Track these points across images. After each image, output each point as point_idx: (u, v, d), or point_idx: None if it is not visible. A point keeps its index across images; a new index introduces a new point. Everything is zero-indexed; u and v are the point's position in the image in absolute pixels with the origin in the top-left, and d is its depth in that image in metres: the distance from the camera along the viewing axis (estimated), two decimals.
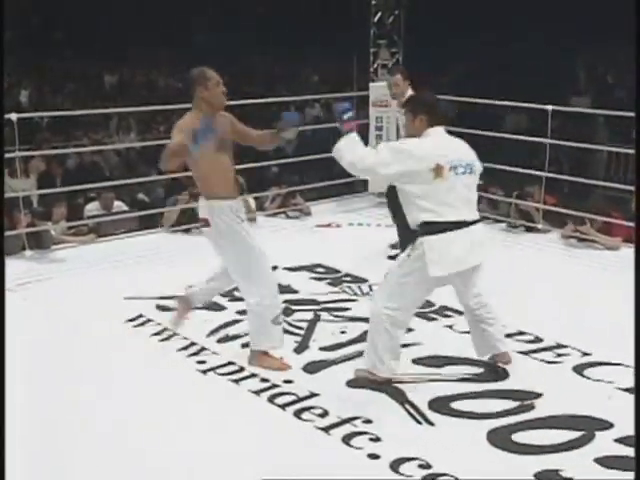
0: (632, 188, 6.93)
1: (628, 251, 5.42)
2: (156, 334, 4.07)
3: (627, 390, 3.39)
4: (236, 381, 3.53)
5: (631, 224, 5.67)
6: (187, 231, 6.03)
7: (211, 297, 3.96)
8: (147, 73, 15.83)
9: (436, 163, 3.18)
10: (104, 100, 12.50)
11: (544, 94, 5.64)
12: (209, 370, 3.64)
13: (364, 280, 4.89)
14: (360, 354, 3.64)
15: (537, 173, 6.02)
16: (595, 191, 7.10)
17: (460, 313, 4.30)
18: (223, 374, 3.60)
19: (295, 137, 3.65)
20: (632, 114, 7.76)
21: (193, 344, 3.92)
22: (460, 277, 3.34)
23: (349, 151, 3.26)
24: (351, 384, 3.48)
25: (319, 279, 4.97)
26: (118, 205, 6.68)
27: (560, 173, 6.57)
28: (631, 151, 7.88)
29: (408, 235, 5.64)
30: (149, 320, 4.24)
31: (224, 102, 3.52)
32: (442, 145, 3.28)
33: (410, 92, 5.45)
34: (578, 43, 12.40)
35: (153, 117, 11.62)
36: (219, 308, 4.42)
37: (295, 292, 4.69)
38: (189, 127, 3.29)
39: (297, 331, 4.07)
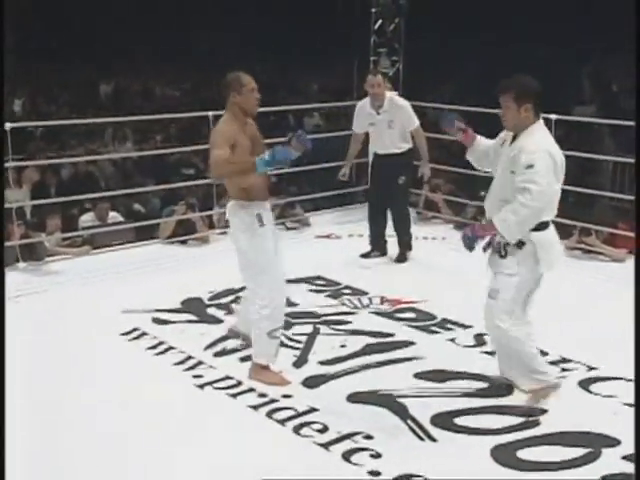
0: (624, 197, 6.98)
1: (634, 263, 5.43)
2: (151, 348, 4.06)
3: (633, 406, 3.38)
4: (233, 395, 3.52)
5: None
6: (184, 242, 6.04)
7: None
8: (143, 81, 15.89)
9: (562, 160, 3.18)
10: (99, 109, 12.54)
11: (548, 103, 5.66)
12: (206, 384, 3.64)
13: (364, 293, 4.89)
14: (361, 368, 3.64)
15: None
16: (601, 202, 7.11)
17: (462, 326, 4.32)
18: (220, 388, 3.60)
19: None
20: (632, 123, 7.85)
21: (190, 358, 3.91)
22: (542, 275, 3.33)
23: (516, 221, 3.14)
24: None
25: (318, 291, 4.97)
26: (113, 216, 6.69)
27: (565, 183, 6.57)
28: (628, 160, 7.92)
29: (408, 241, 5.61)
30: (145, 333, 4.24)
31: (257, 109, 3.58)
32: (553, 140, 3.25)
33: (390, 93, 5.52)
34: (582, 52, 12.48)
35: (150, 126, 11.66)
36: (216, 321, 4.42)
37: (294, 305, 4.69)
38: (231, 135, 3.40)
39: (296, 345, 4.07)
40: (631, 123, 7.20)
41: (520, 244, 3.21)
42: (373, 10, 7.46)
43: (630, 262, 5.49)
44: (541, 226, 3.20)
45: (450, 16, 13.49)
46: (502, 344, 3.36)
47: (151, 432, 3.22)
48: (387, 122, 5.41)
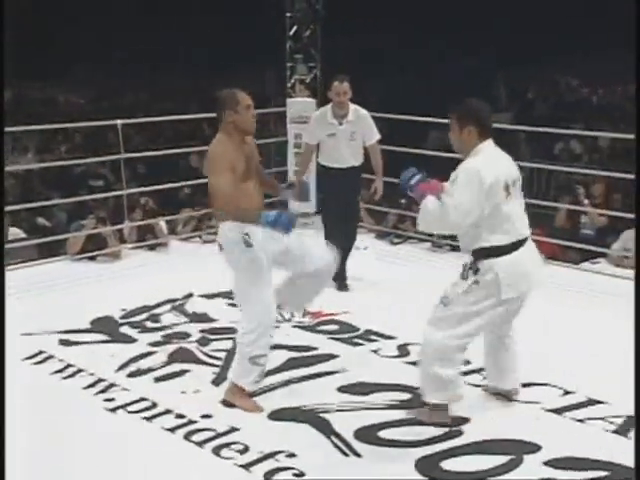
0: (555, 205, 7.27)
1: (553, 268, 5.66)
2: (58, 372, 3.95)
3: (554, 411, 3.53)
4: (149, 418, 3.46)
5: (555, 241, 5.95)
6: (93, 258, 5.90)
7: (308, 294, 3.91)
8: (43, 88, 15.46)
9: (505, 182, 3.18)
10: None
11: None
12: (118, 408, 3.56)
13: None
14: (283, 384, 3.65)
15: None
16: None
17: (385, 337, 4.39)
18: (134, 412, 3.53)
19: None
20: (552, 130, 8.21)
21: (100, 380, 3.83)
22: (522, 297, 3.32)
23: (430, 220, 3.22)
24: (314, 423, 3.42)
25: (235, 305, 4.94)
26: (14, 232, 6.46)
27: None
28: (553, 167, 8.27)
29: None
30: (50, 357, 4.12)
31: (254, 127, 3.51)
32: (500, 162, 3.26)
33: (351, 104, 5.25)
34: (498, 60, 12.96)
35: (53, 136, 11.36)
36: (129, 340, 4.34)
37: (212, 320, 4.66)
38: (229, 158, 3.37)
39: (216, 362, 4.04)
40: (547, 130, 7.59)
41: (475, 269, 3.24)
42: (288, 14, 7.50)
43: (551, 267, 5.69)
44: (498, 249, 3.22)
45: (368, 23, 13.77)
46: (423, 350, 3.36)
47: (60, 461, 3.12)
48: (350, 133, 5.19)
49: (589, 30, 12.93)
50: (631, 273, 5.42)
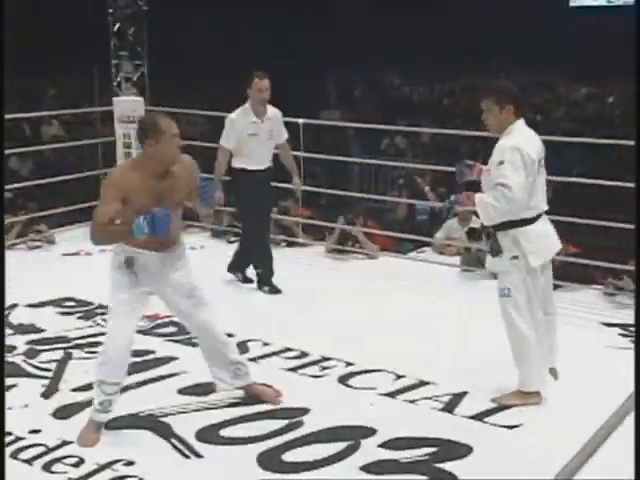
0: (386, 198, 7.62)
1: (386, 259, 5.91)
2: None
3: (388, 395, 3.68)
4: None
5: (387, 233, 6.22)
6: None
7: None
8: None
9: (538, 158, 3.38)
10: None
11: (294, 109, 5.92)
12: None
13: None
14: (121, 390, 3.54)
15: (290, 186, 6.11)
16: (353, 203, 7.61)
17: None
18: None
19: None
20: (380, 127, 8.56)
21: None
22: (546, 264, 3.51)
23: (497, 209, 3.33)
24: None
25: (69, 314, 4.73)
26: None
27: (317, 186, 6.94)
28: (381, 162, 8.59)
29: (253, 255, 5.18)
30: None
31: (177, 155, 3.17)
32: (534, 139, 3.45)
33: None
34: (328, 61, 13.31)
35: None
36: None
37: (40, 331, 4.42)
38: (123, 186, 3.06)
39: (45, 374, 3.84)
40: (373, 126, 7.89)
41: (499, 238, 3.42)
42: (110, 11, 7.25)
43: (382, 258, 5.93)
44: (524, 222, 3.40)
45: (194, 21, 13.62)
46: (513, 340, 3.48)
47: None
48: (268, 132, 5.01)
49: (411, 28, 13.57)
50: (453, 260, 5.79)
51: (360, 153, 10.52)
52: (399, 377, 3.84)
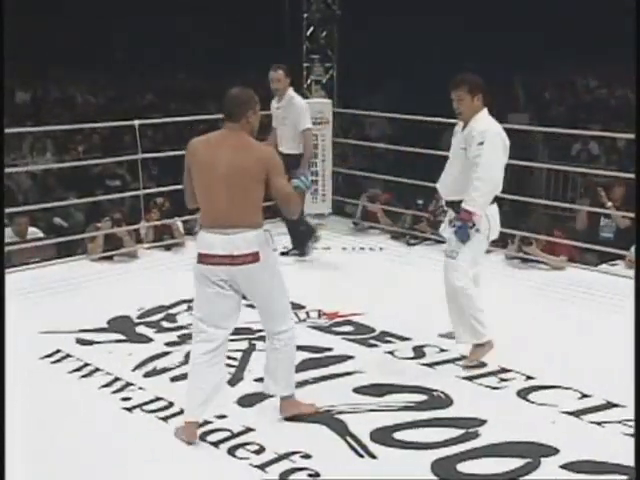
0: (573, 206, 7.22)
1: (573, 271, 5.62)
2: (76, 370, 3.97)
3: (571, 414, 3.50)
4: (164, 418, 3.47)
5: (574, 243, 5.89)
6: (110, 258, 5.93)
7: None
8: (63, 89, 15.55)
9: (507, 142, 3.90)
10: (16, 118, 12.22)
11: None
12: (135, 407, 3.57)
13: (301, 306, 4.89)
14: (299, 384, 3.65)
15: None
16: (536, 210, 7.33)
17: (400, 338, 4.38)
18: (150, 411, 3.54)
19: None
20: (570, 131, 8.16)
21: (117, 380, 3.84)
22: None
23: (480, 195, 3.83)
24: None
25: (253, 306, 4.94)
26: (33, 231, 6.52)
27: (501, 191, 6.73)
28: (570, 168, 8.22)
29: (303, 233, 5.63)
30: (68, 355, 4.14)
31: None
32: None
33: (290, 90, 5.65)
34: (515, 61, 12.88)
35: (70, 136, 11.42)
36: (145, 340, 4.36)
37: None
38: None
39: (232, 362, 4.04)
40: (563, 130, 7.53)
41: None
42: (305, 15, 7.51)
43: (570, 270, 5.66)
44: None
45: (385, 24, 13.73)
46: (457, 300, 3.91)
47: (78, 459, 3.14)
48: (281, 118, 5.66)
49: (605, 29, 12.83)
50: None
51: (547, 158, 10.11)
52: (584, 396, 3.65)
